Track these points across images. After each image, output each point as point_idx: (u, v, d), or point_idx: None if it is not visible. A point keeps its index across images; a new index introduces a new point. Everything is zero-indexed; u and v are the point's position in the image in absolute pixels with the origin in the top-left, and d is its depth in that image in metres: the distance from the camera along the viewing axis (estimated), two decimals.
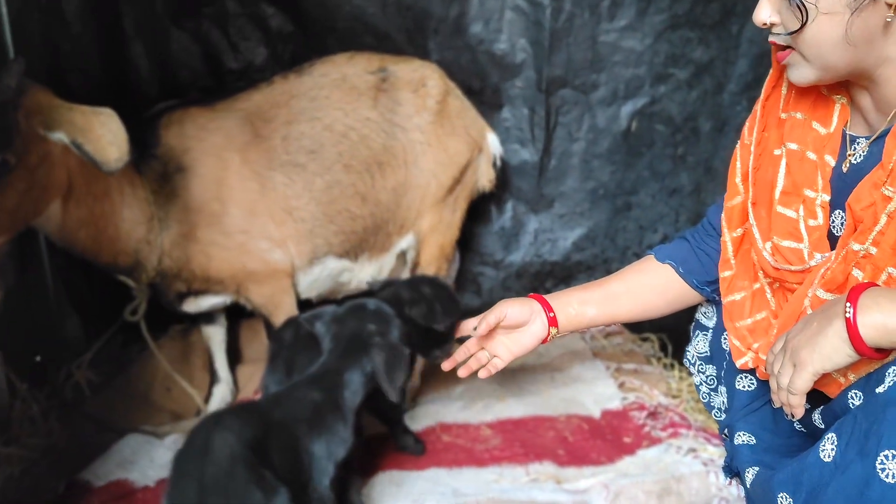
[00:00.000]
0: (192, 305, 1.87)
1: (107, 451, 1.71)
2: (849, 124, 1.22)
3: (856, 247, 1.06)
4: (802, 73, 1.11)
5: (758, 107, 1.31)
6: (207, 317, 1.99)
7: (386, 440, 1.75)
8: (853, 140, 1.20)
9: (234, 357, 2.14)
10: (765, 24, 1.10)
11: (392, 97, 1.92)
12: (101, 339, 1.86)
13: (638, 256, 2.30)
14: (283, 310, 1.88)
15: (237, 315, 2.12)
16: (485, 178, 2.07)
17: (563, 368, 2.06)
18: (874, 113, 1.16)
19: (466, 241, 2.29)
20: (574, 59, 2.07)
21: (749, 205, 1.30)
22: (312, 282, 1.94)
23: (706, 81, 2.12)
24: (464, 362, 1.39)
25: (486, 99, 2.13)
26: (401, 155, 1.93)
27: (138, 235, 1.71)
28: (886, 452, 0.89)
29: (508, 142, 2.17)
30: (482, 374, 1.39)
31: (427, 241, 2.00)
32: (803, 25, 1.05)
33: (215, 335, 2.02)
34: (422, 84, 1.94)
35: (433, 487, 1.57)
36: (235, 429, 1.24)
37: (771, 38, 1.12)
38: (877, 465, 0.90)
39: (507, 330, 1.39)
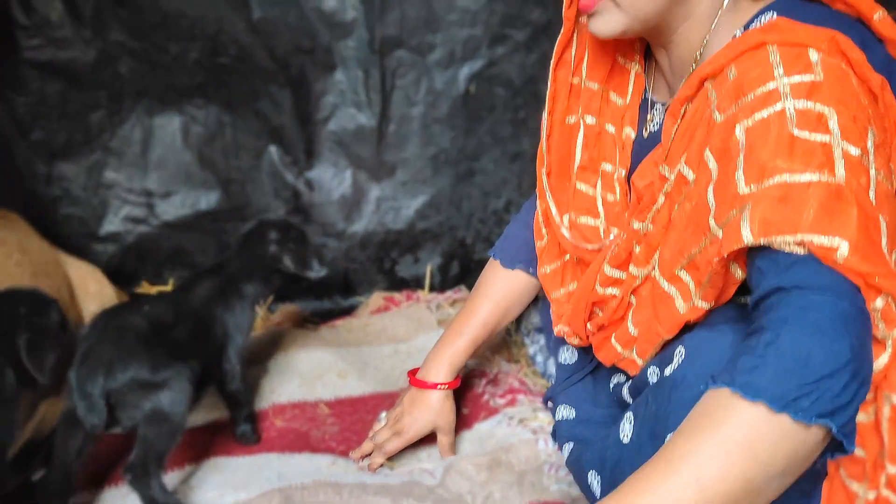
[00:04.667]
0: None
1: None
2: (652, 87, 1.20)
3: (636, 225, 1.05)
4: (610, 23, 1.02)
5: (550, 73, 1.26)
6: None
7: (217, 428, 1.65)
8: (653, 105, 1.19)
9: None
10: None
11: None
12: None
13: (483, 223, 2.29)
14: None
15: None
16: None
17: (408, 339, 2.02)
18: (671, 75, 1.13)
19: (306, 212, 2.19)
20: (408, 18, 1.98)
21: (543, 175, 1.27)
22: None
23: (544, 44, 2.08)
24: None
25: (317, 59, 2.00)
26: None
27: None
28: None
29: (344, 105, 2.07)
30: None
31: None
32: None
33: None
34: None
35: (259, 473, 1.49)
36: (138, 308, 1.39)
37: None
38: None
39: None
